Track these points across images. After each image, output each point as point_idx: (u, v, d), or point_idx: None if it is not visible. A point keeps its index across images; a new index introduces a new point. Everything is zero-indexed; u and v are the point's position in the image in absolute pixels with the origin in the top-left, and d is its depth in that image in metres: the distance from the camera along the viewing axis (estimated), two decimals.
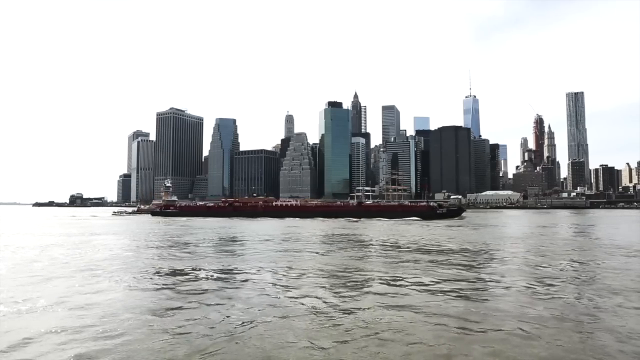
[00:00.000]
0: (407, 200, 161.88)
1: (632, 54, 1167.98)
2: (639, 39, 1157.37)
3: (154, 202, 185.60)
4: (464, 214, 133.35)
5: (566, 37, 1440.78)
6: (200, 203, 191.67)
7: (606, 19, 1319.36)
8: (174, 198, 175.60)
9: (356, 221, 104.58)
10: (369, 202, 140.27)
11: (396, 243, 46.08)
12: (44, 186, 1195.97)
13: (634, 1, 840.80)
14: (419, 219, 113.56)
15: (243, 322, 15.29)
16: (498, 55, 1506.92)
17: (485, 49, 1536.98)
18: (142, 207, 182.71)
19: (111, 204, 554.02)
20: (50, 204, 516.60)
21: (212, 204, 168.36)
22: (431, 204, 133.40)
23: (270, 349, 12.66)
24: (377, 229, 72.30)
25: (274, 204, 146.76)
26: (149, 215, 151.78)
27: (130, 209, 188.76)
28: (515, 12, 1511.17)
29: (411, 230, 70.49)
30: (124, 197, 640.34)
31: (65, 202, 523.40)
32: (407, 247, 41.55)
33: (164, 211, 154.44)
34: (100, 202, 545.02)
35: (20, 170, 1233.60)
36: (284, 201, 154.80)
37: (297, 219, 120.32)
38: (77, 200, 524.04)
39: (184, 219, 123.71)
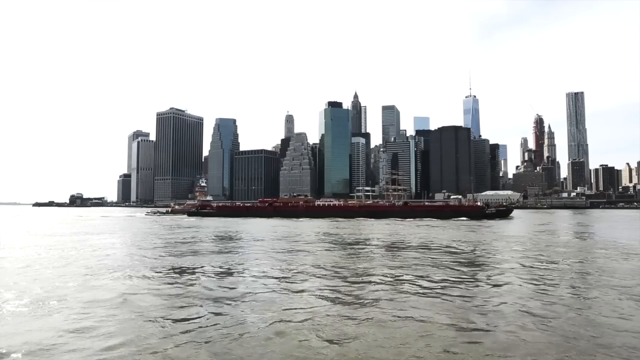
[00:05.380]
0: (455, 201, 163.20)
1: (632, 54, 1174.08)
2: (639, 39, 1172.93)
3: (188, 202, 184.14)
4: (512, 214, 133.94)
5: (567, 36, 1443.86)
6: (238, 203, 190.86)
7: (607, 19, 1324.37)
8: (209, 198, 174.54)
9: (405, 221, 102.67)
10: (415, 201, 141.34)
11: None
12: (44, 186, 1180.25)
13: (634, 1, 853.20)
14: (467, 219, 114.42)
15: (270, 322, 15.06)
16: (498, 54, 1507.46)
17: (485, 49, 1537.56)
18: (176, 207, 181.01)
19: (111, 204, 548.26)
20: (50, 204, 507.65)
21: (250, 204, 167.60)
22: (478, 203, 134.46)
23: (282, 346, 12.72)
24: (438, 232, 65.79)
25: (316, 204, 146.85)
26: (185, 216, 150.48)
27: (163, 209, 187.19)
28: (518, 10, 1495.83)
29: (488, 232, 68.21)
30: (124, 197, 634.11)
31: (65, 202, 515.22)
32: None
33: (201, 211, 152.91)
34: (100, 202, 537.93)
35: (20, 170, 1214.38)
36: (326, 201, 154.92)
37: (340, 219, 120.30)
38: (77, 200, 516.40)
39: (223, 219, 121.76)
